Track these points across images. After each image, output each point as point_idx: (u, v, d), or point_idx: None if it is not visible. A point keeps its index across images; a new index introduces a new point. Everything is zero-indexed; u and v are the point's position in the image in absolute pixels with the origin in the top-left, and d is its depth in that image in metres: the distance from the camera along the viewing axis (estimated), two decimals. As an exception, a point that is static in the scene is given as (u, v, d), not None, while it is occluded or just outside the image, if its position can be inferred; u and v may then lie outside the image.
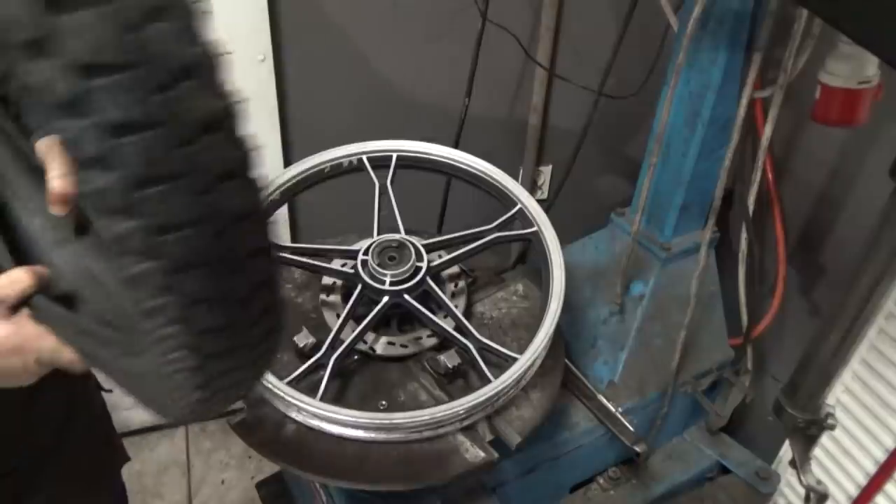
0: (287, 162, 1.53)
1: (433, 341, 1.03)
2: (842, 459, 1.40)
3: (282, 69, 1.44)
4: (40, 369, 0.61)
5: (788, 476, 1.52)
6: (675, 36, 1.22)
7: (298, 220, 1.67)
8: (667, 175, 1.31)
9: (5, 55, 0.30)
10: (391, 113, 1.59)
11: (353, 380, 0.99)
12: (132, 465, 1.08)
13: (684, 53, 1.14)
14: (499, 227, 1.09)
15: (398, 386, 0.98)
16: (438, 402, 0.93)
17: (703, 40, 1.15)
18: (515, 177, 1.17)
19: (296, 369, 0.94)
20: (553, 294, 1.01)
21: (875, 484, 1.33)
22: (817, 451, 1.40)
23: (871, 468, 1.33)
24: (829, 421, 1.03)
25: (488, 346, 0.98)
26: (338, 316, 1.00)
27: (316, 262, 1.05)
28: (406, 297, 0.99)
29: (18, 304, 0.59)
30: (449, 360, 0.98)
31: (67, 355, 0.61)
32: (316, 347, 0.97)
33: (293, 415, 0.92)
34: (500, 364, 0.96)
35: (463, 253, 1.06)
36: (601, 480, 1.44)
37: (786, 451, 1.53)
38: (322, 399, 0.90)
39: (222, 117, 0.37)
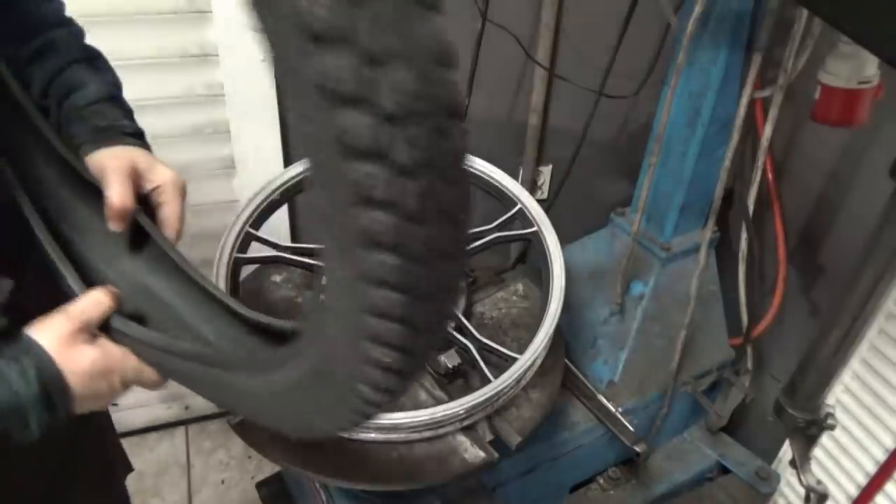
0: (287, 162, 1.53)
1: (433, 341, 1.03)
2: (842, 459, 1.40)
3: (282, 69, 1.44)
4: (124, 390, 0.61)
5: (788, 476, 1.51)
6: (675, 36, 1.22)
7: (298, 220, 1.67)
8: (667, 175, 1.31)
9: (290, 41, 0.28)
10: (391, 113, 1.59)
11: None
12: (132, 465, 1.08)
13: (684, 53, 1.14)
14: (499, 227, 1.09)
15: (398, 386, 0.98)
16: (438, 402, 0.93)
17: (703, 40, 1.15)
18: (515, 177, 1.17)
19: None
20: (553, 294, 1.01)
21: (875, 484, 1.33)
22: (817, 451, 1.40)
23: (871, 468, 1.33)
24: (829, 421, 1.03)
25: (488, 346, 0.98)
26: (338, 316, 1.00)
27: (316, 262, 1.05)
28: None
29: (100, 326, 0.59)
30: (449, 360, 0.98)
31: (149, 374, 0.61)
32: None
33: (293, 415, 0.92)
34: (500, 364, 0.96)
35: (463, 253, 1.06)
36: (601, 480, 1.44)
37: (786, 451, 1.53)
38: (322, 399, 0.90)
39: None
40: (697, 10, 1.08)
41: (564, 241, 1.09)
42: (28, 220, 0.65)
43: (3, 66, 0.65)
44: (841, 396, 1.38)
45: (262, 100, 1.44)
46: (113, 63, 0.80)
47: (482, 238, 1.07)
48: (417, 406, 0.94)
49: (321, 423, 0.49)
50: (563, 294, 1.01)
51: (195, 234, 0.96)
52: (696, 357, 1.42)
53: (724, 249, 1.51)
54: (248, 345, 0.63)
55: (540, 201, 1.15)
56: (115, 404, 0.97)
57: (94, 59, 0.78)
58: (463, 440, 0.92)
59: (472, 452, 0.91)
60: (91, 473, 0.92)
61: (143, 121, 0.78)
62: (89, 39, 0.79)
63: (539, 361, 0.99)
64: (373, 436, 0.90)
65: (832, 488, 1.36)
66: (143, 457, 1.78)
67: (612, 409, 1.33)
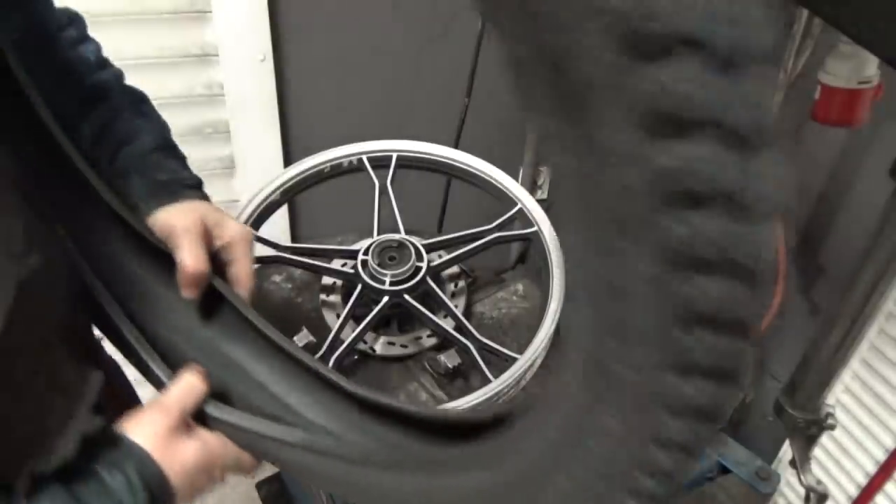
0: (287, 162, 1.53)
1: (433, 341, 1.03)
2: (842, 459, 1.40)
3: (282, 69, 1.44)
4: (223, 480, 0.57)
5: (788, 476, 1.51)
6: (675, 36, 1.22)
7: (298, 220, 1.67)
8: (667, 175, 1.31)
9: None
10: (391, 113, 1.59)
11: (353, 380, 0.98)
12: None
13: (684, 53, 1.13)
14: (499, 227, 1.09)
15: (398, 386, 0.98)
16: (438, 402, 0.93)
17: (703, 40, 1.15)
18: (515, 177, 1.17)
19: (296, 369, 0.94)
20: (553, 294, 1.01)
21: (875, 484, 1.33)
22: (817, 451, 1.40)
23: (871, 468, 1.33)
24: (829, 421, 1.03)
25: (488, 346, 0.98)
26: (338, 316, 1.00)
27: (316, 262, 1.05)
28: (406, 297, 0.99)
29: (195, 415, 0.55)
30: (449, 360, 0.98)
31: (248, 461, 0.57)
32: (316, 347, 0.97)
33: (293, 415, 0.92)
34: (500, 364, 0.96)
35: (463, 253, 1.06)
36: (601, 480, 1.44)
37: (786, 451, 1.53)
38: (322, 399, 0.90)
39: None
40: (697, 10, 1.08)
41: (564, 241, 1.09)
42: (93, 296, 0.59)
43: (49, 118, 0.58)
44: (841, 396, 1.38)
45: (262, 100, 1.44)
46: (113, 63, 0.77)
47: (482, 238, 1.07)
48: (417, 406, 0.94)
49: None
50: (563, 294, 1.01)
51: (195, 234, 0.96)
52: (696, 357, 1.42)
53: (724, 249, 1.51)
54: (376, 432, 0.56)
55: (540, 201, 1.15)
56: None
57: (142, 104, 0.73)
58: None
59: (472, 452, 0.91)
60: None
61: (143, 121, 0.77)
62: (89, 39, 0.79)
63: (539, 361, 0.98)
64: (373, 436, 0.90)
65: (832, 488, 1.36)
66: (143, 457, 1.78)
67: (612, 409, 1.32)
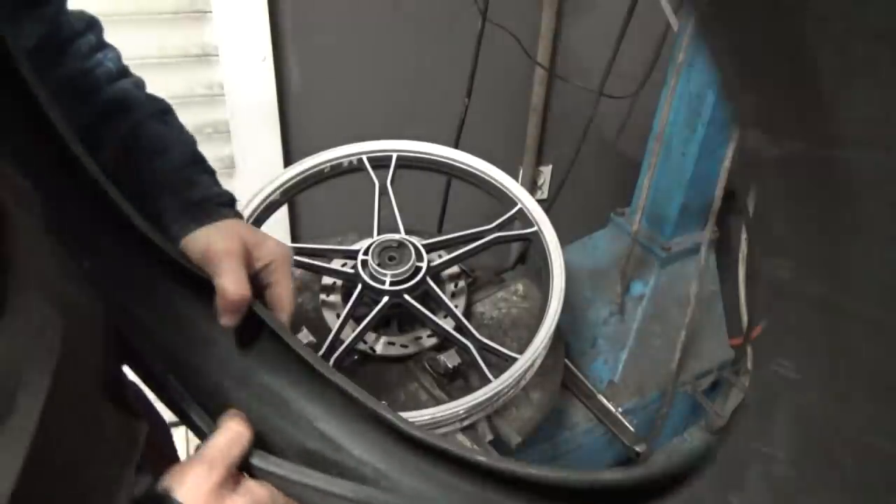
0: (287, 162, 1.53)
1: (433, 341, 1.03)
2: (842, 459, 1.40)
3: (282, 69, 1.44)
4: None
5: (788, 476, 1.51)
6: (675, 36, 1.22)
7: (298, 220, 1.67)
8: (667, 175, 1.31)
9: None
10: (391, 113, 1.59)
11: (353, 380, 0.99)
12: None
13: (684, 53, 1.14)
14: (499, 227, 1.09)
15: (398, 386, 0.98)
16: (438, 402, 0.93)
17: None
18: (515, 177, 1.17)
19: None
20: (553, 294, 1.01)
21: (875, 484, 1.33)
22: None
23: None
24: (829, 421, 1.03)
25: (488, 346, 0.98)
26: (338, 316, 1.00)
27: (316, 262, 1.05)
28: (406, 297, 0.99)
29: (241, 466, 0.50)
30: (449, 360, 0.98)
31: None
32: (316, 347, 0.97)
33: (293, 415, 0.92)
34: (500, 364, 0.96)
35: (463, 253, 1.06)
36: (601, 480, 1.44)
37: (786, 451, 1.53)
38: (322, 399, 0.90)
39: None
40: (697, 10, 1.08)
41: (564, 241, 1.09)
42: (121, 333, 0.53)
43: (69, 135, 0.52)
44: (841, 396, 1.38)
45: (262, 100, 1.44)
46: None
47: (482, 238, 1.07)
48: (418, 406, 0.94)
49: None
50: (563, 294, 1.01)
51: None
52: (696, 357, 1.42)
53: (724, 249, 1.51)
54: (439, 478, 0.51)
55: (540, 201, 1.15)
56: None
57: (166, 115, 0.68)
58: (463, 440, 0.92)
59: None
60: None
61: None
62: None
63: (539, 361, 0.99)
64: (373, 436, 0.90)
65: (832, 488, 1.36)
66: (143, 457, 1.78)
67: (612, 409, 1.33)
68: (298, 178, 1.10)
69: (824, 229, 0.21)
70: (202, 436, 0.52)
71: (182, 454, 0.59)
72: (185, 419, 0.54)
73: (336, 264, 1.05)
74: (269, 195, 1.07)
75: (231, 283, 0.55)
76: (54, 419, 0.36)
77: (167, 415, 0.59)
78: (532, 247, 1.10)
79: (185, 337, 0.58)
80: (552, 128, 1.76)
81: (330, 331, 0.97)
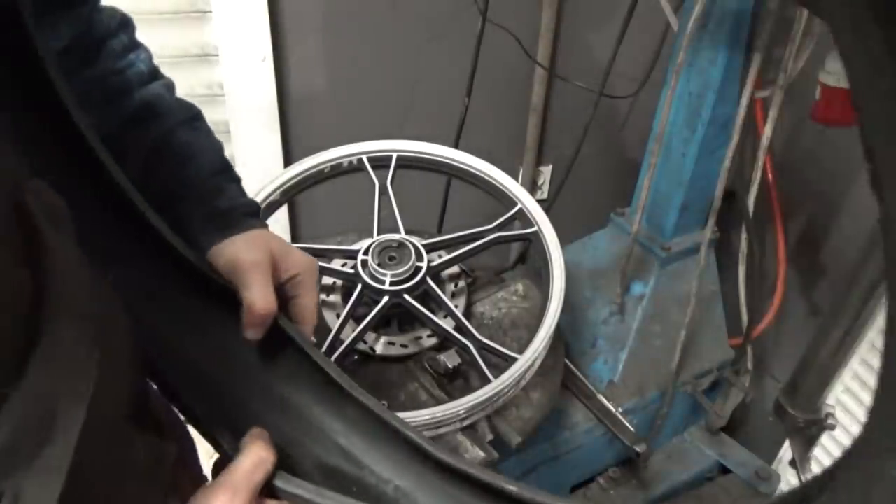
0: (287, 162, 1.53)
1: (433, 341, 1.03)
2: (842, 459, 1.40)
3: (282, 69, 1.44)
4: None
5: (788, 476, 1.52)
6: (675, 36, 1.22)
7: (298, 220, 1.67)
8: (667, 175, 1.31)
9: None
10: (391, 113, 1.59)
11: (353, 379, 0.99)
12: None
13: (684, 53, 1.14)
14: (499, 227, 1.09)
15: (398, 386, 0.98)
16: (438, 402, 0.93)
17: (703, 40, 1.15)
18: (515, 177, 1.17)
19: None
20: (553, 294, 1.01)
21: (875, 484, 1.33)
22: (817, 451, 1.40)
23: None
24: (829, 421, 1.03)
25: (488, 346, 0.98)
26: (338, 316, 1.00)
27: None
28: (406, 297, 0.99)
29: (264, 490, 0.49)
30: (449, 360, 0.98)
31: None
32: (316, 348, 0.96)
33: (293, 415, 0.92)
34: (500, 364, 0.96)
35: (463, 253, 1.06)
36: (601, 480, 1.44)
37: (786, 451, 1.53)
38: (322, 399, 0.90)
39: None
40: (697, 10, 1.08)
41: (564, 241, 1.09)
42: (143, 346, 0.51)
43: (96, 141, 0.51)
44: (841, 396, 1.38)
45: (262, 100, 1.44)
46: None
47: (482, 238, 1.07)
48: (417, 406, 0.94)
49: None
50: (563, 294, 1.01)
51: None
52: (696, 357, 1.42)
53: (724, 249, 1.51)
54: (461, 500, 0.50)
55: (540, 201, 1.15)
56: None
57: (195, 120, 0.66)
58: (463, 440, 0.92)
59: (472, 452, 0.91)
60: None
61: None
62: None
63: (539, 361, 0.99)
64: (373, 436, 0.90)
65: (832, 488, 1.36)
66: (143, 457, 1.78)
67: (612, 409, 1.33)
68: (298, 178, 1.10)
69: None
70: (225, 454, 0.52)
71: (203, 462, 0.58)
72: (207, 437, 0.54)
73: (336, 264, 1.05)
74: (269, 195, 1.07)
75: (259, 297, 0.54)
76: (89, 446, 0.35)
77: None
78: (532, 247, 1.10)
79: (209, 349, 0.57)
80: (552, 128, 1.76)
81: (330, 331, 0.97)
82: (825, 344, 0.95)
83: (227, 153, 1.57)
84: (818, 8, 0.77)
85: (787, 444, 1.51)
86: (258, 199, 1.06)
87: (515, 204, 1.11)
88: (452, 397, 0.94)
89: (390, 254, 1.01)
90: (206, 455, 0.56)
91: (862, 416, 1.34)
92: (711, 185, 1.26)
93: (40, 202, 0.37)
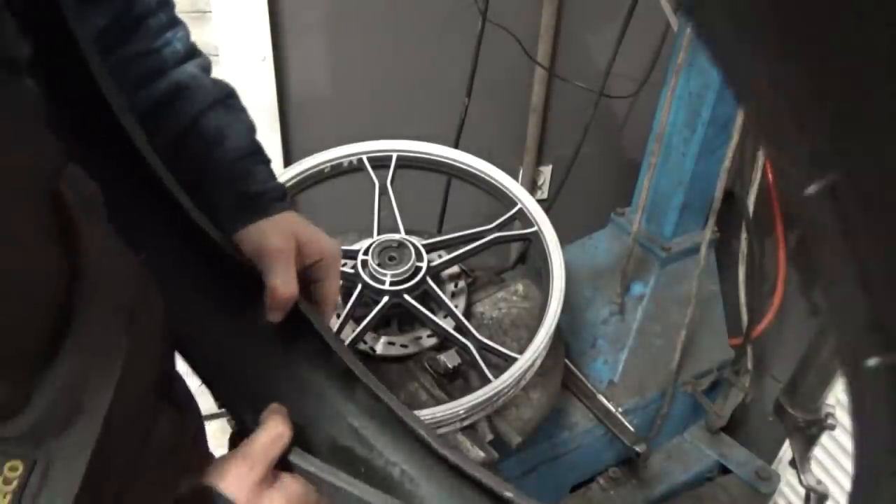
0: (287, 162, 1.53)
1: (433, 341, 1.03)
2: (842, 459, 1.40)
3: (282, 69, 1.44)
4: None
5: (788, 476, 1.51)
6: (675, 36, 1.22)
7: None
8: (667, 175, 1.31)
9: None
10: (391, 113, 1.59)
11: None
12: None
13: (684, 53, 1.14)
14: (499, 227, 1.09)
15: (398, 386, 0.98)
16: (438, 402, 0.93)
17: (703, 40, 1.15)
18: (515, 177, 1.17)
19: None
20: (553, 294, 1.01)
21: (875, 484, 1.33)
22: (817, 451, 1.40)
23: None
24: (829, 421, 1.03)
25: (488, 346, 0.98)
26: (338, 316, 1.00)
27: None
28: (406, 297, 0.99)
29: (280, 463, 0.52)
30: (449, 360, 0.98)
31: None
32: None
33: (293, 415, 0.92)
34: (500, 364, 0.96)
35: (463, 253, 1.06)
36: (601, 480, 1.44)
37: (786, 451, 1.53)
38: (322, 399, 0.90)
39: None
40: (697, 10, 1.08)
41: (564, 241, 1.09)
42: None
43: (130, 123, 0.52)
44: (841, 396, 1.37)
45: (262, 100, 1.44)
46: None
47: (482, 238, 1.07)
48: (418, 406, 0.94)
49: None
50: (563, 294, 1.01)
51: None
52: (696, 357, 1.42)
53: (724, 249, 1.51)
54: (465, 496, 0.51)
55: (540, 201, 1.15)
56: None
57: (230, 98, 0.66)
58: (463, 440, 0.92)
59: (472, 452, 0.91)
60: None
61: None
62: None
63: (539, 361, 0.99)
64: (373, 436, 0.90)
65: (832, 488, 1.36)
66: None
67: (612, 409, 1.33)
68: (298, 178, 1.10)
69: None
70: (244, 428, 0.54)
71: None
72: (230, 410, 0.56)
73: (336, 264, 1.05)
74: (269, 195, 1.07)
75: (281, 283, 0.56)
76: (116, 421, 0.37)
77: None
78: (532, 247, 1.10)
79: (233, 329, 0.59)
80: (552, 128, 1.76)
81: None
82: (825, 344, 0.95)
83: (227, 153, 1.56)
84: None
85: (787, 444, 1.51)
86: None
87: (515, 204, 1.11)
88: (452, 397, 0.94)
89: (390, 254, 1.01)
90: (212, 437, 0.58)
91: (862, 416, 1.34)
92: (711, 185, 1.26)
93: (75, 189, 0.38)
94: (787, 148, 0.20)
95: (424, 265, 1.01)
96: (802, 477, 1.07)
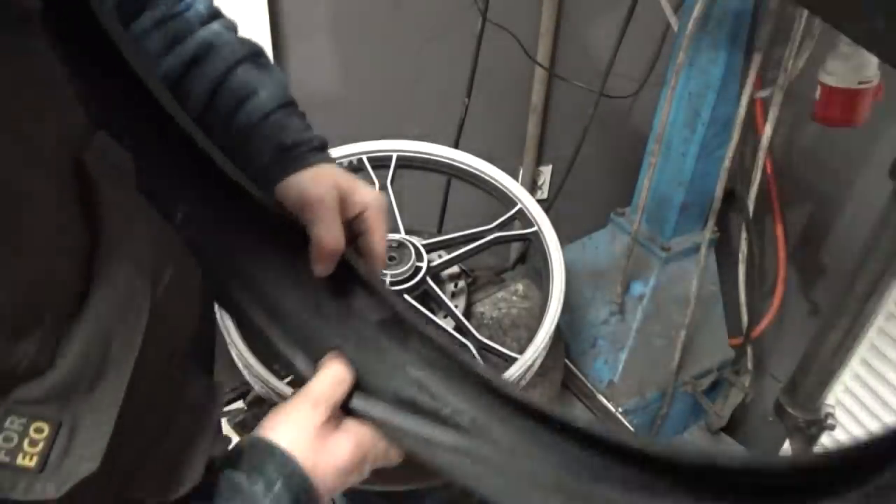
0: (287, 162, 1.53)
1: (433, 341, 1.03)
2: (842, 459, 1.40)
3: (282, 69, 1.44)
4: (368, 473, 0.52)
5: (788, 476, 1.51)
6: (675, 36, 1.22)
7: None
8: (667, 175, 1.31)
9: None
10: (391, 113, 1.59)
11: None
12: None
13: (684, 53, 1.14)
14: (499, 227, 1.09)
15: (398, 386, 0.98)
16: (438, 402, 0.93)
17: (703, 40, 1.15)
18: (515, 177, 1.17)
19: (296, 369, 0.94)
20: (553, 294, 1.01)
21: (875, 484, 1.33)
22: (817, 451, 1.40)
23: (871, 468, 1.33)
24: (829, 421, 1.03)
25: (488, 346, 0.98)
26: (338, 316, 1.00)
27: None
28: (406, 297, 0.99)
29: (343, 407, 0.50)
30: (449, 360, 0.98)
31: (395, 454, 0.53)
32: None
33: (293, 415, 0.92)
34: (500, 364, 0.96)
35: (463, 253, 1.06)
36: (601, 480, 1.44)
37: (786, 451, 1.53)
38: (322, 399, 0.90)
39: None
40: (697, 10, 1.08)
41: (564, 241, 1.09)
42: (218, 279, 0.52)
43: (156, 86, 0.51)
44: (841, 396, 1.38)
45: (262, 100, 1.44)
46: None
47: (482, 238, 1.07)
48: (417, 406, 0.94)
49: None
50: (563, 294, 1.01)
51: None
52: (696, 357, 1.42)
53: (724, 249, 1.51)
54: (542, 440, 0.49)
55: (540, 201, 1.15)
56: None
57: (259, 56, 0.64)
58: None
59: (472, 452, 0.91)
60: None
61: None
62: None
63: (539, 361, 0.98)
64: (373, 436, 0.90)
65: (832, 488, 1.36)
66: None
67: (612, 409, 1.33)
68: (298, 178, 1.10)
69: None
70: (301, 378, 0.52)
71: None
72: (284, 362, 0.55)
73: (336, 264, 1.05)
74: (269, 195, 1.07)
75: (327, 233, 0.54)
76: (142, 383, 0.37)
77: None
78: (532, 247, 1.10)
79: (281, 284, 0.57)
80: (552, 128, 1.76)
81: (330, 331, 0.97)
82: (825, 344, 0.95)
83: (227, 153, 1.57)
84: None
85: (787, 444, 1.51)
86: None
87: (515, 204, 1.11)
88: (452, 397, 0.94)
89: (390, 254, 1.01)
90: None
91: (862, 416, 1.34)
92: (711, 185, 1.26)
93: (105, 158, 0.39)
94: None
95: (424, 265, 1.01)
96: (802, 477, 1.07)
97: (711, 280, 1.43)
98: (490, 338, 0.99)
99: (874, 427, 1.32)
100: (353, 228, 0.59)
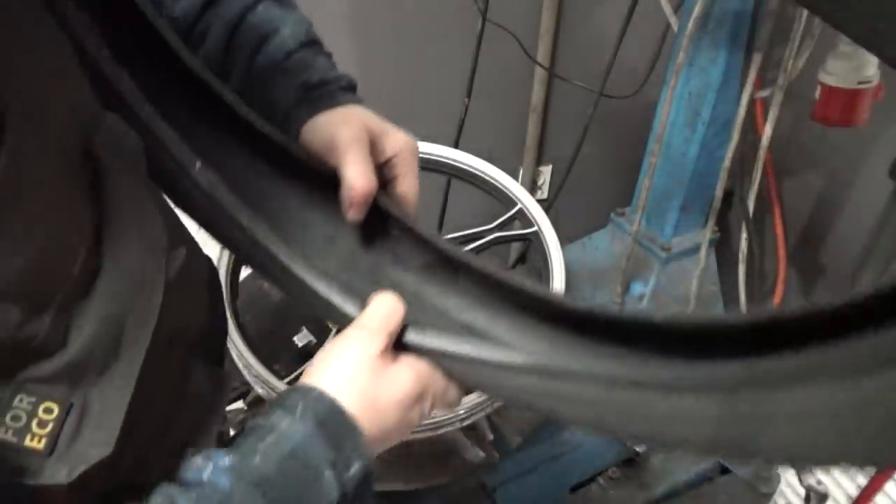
0: (287, 162, 1.53)
1: (433, 341, 1.02)
2: (842, 459, 1.40)
3: (282, 69, 1.44)
4: (430, 413, 0.48)
5: (788, 476, 1.51)
6: (675, 36, 1.22)
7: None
8: (667, 175, 1.31)
9: None
10: (391, 113, 1.59)
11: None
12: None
13: (684, 53, 1.14)
14: (499, 227, 1.09)
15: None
16: (438, 402, 0.93)
17: (703, 40, 1.15)
18: (515, 177, 1.17)
19: (296, 369, 0.94)
20: (553, 294, 1.01)
21: (875, 484, 1.33)
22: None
23: (871, 468, 1.33)
24: (829, 421, 1.03)
25: (488, 346, 0.98)
26: (338, 316, 1.00)
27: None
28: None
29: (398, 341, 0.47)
30: (449, 360, 0.98)
31: (455, 392, 0.48)
32: (316, 347, 0.97)
33: (293, 415, 0.92)
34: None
35: (463, 253, 1.06)
36: (601, 480, 1.44)
37: (786, 451, 1.53)
38: (322, 399, 0.90)
39: None
40: (697, 10, 1.08)
41: (564, 241, 1.09)
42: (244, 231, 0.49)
43: (164, 27, 0.49)
44: (841, 396, 1.38)
45: (262, 100, 1.44)
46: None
47: (482, 238, 1.07)
48: (417, 406, 0.94)
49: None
50: (563, 294, 1.01)
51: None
52: (696, 357, 1.42)
53: (724, 249, 1.51)
54: (615, 354, 0.43)
55: (540, 201, 1.15)
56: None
57: None
58: (463, 440, 0.92)
59: (473, 452, 0.91)
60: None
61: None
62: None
63: (539, 361, 0.98)
64: (373, 436, 0.90)
65: (832, 488, 1.36)
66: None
67: (612, 409, 1.33)
68: (298, 178, 1.10)
69: None
70: (347, 320, 0.48)
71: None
72: (328, 307, 0.50)
73: (336, 264, 1.05)
74: (269, 195, 1.07)
75: (358, 175, 0.50)
76: (154, 367, 0.37)
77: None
78: (532, 247, 1.10)
79: (309, 235, 0.54)
80: (552, 128, 1.76)
81: (330, 331, 0.97)
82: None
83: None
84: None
85: (787, 444, 1.51)
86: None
87: (515, 204, 1.11)
88: (452, 397, 0.94)
89: (390, 254, 1.01)
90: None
91: (862, 416, 1.34)
92: (711, 185, 1.26)
93: (113, 141, 0.39)
94: None
95: (424, 265, 1.01)
96: (802, 477, 1.07)
97: (711, 280, 1.43)
98: (490, 338, 0.99)
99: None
100: (384, 174, 0.54)
